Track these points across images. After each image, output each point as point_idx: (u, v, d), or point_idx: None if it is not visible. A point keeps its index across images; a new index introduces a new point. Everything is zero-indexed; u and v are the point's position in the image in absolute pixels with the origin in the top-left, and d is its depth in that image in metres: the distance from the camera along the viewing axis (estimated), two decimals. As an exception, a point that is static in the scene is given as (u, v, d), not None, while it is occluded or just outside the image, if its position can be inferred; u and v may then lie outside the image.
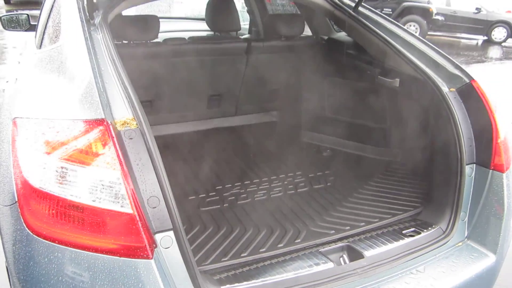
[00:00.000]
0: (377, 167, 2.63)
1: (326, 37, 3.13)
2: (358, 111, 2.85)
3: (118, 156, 1.20)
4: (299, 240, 1.90)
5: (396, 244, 1.70)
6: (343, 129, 2.93)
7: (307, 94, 3.12)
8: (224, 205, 2.22)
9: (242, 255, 1.79)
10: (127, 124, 1.24)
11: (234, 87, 3.10)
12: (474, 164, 1.81)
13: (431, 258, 1.66)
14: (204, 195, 2.31)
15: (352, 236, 1.90)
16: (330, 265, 1.63)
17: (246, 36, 3.05)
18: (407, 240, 1.73)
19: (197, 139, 3.02)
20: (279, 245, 1.87)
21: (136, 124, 1.24)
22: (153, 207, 1.19)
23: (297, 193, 2.34)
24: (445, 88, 1.92)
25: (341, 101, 2.93)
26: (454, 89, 1.92)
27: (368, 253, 1.68)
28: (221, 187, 2.39)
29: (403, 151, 2.68)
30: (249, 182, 2.46)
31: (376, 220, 2.03)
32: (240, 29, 3.04)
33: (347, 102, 2.90)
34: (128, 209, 1.19)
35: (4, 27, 3.20)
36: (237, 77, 3.05)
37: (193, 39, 2.85)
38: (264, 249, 1.84)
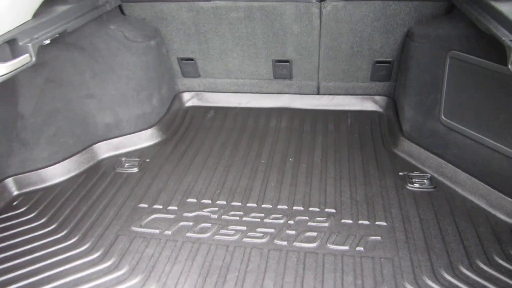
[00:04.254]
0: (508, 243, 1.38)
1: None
2: (496, 123, 1.56)
3: None
4: None
5: None
6: (463, 149, 1.68)
7: (415, 77, 1.88)
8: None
9: None
10: None
11: (309, 51, 2.11)
12: None
13: None
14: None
15: None
16: None
17: None
18: None
19: (245, 120, 2.17)
20: None
21: None
22: None
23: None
24: None
25: (468, 99, 1.65)
26: None
27: None
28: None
29: None
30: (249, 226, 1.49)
31: None
32: None
33: (478, 103, 1.63)
34: None
35: None
36: (311, 37, 2.04)
37: None
38: None
